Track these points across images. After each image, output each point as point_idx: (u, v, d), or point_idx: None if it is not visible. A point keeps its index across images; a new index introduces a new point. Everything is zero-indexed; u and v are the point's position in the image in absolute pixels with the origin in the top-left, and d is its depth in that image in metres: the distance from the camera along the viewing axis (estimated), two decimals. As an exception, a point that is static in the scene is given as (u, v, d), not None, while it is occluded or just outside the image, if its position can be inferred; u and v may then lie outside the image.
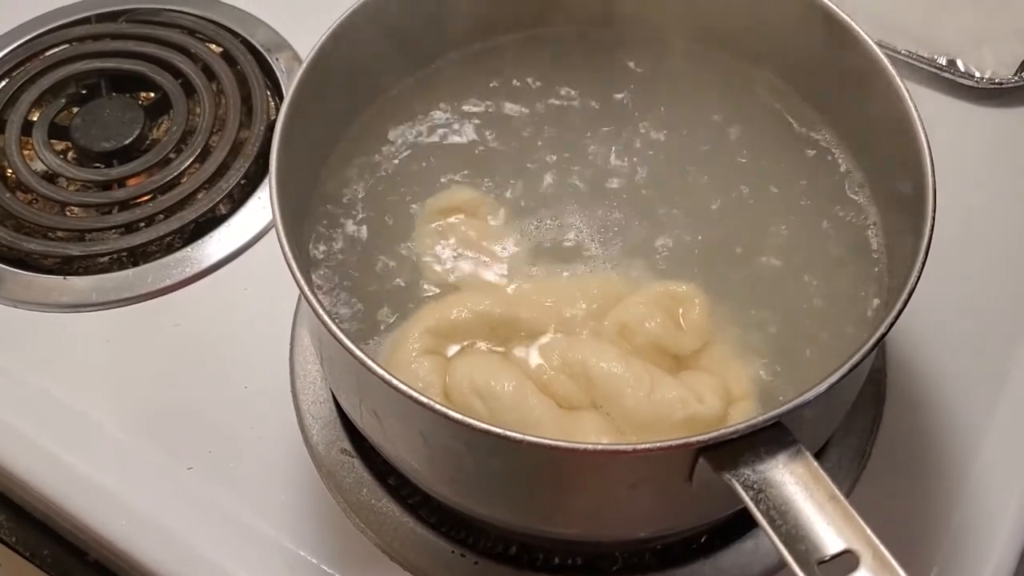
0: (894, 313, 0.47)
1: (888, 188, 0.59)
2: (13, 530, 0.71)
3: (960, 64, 0.81)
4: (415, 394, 0.45)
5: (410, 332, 0.54)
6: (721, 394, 0.52)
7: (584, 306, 0.56)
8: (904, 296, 0.48)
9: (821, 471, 0.44)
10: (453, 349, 0.55)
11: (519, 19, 0.66)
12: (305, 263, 0.58)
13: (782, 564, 0.58)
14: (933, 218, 0.50)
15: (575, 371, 0.52)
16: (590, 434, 0.51)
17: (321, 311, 0.48)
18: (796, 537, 0.42)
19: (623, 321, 0.55)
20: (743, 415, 0.52)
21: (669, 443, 0.44)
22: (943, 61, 0.81)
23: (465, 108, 0.65)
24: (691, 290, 0.56)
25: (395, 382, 0.45)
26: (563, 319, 0.55)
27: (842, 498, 0.43)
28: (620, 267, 0.58)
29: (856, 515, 0.42)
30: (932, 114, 0.54)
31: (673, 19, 0.65)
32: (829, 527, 0.42)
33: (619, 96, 0.65)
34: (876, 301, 0.57)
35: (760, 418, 0.44)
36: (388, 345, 0.55)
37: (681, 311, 0.56)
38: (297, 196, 0.57)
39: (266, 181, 0.77)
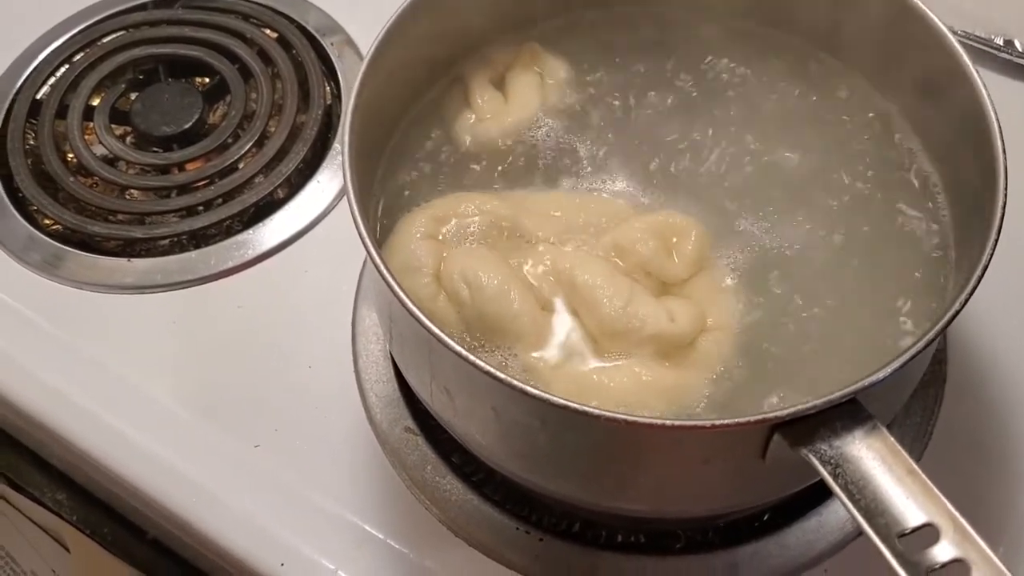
0: (967, 291, 0.47)
1: (953, 161, 0.59)
2: (75, 509, 0.73)
3: (1018, 44, 0.80)
4: (493, 370, 0.45)
5: (417, 216, 0.57)
6: (694, 318, 0.54)
7: (586, 223, 0.58)
8: (978, 273, 0.48)
9: (898, 445, 0.44)
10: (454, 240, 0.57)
11: None
12: (375, 235, 0.58)
13: (849, 541, 0.60)
14: (1005, 196, 0.50)
15: (562, 278, 0.55)
16: (561, 334, 0.54)
17: (396, 285, 0.48)
18: (876, 511, 0.42)
19: (617, 242, 0.57)
20: (715, 345, 0.54)
21: (745, 419, 0.44)
22: (1000, 41, 0.81)
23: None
24: (689, 222, 0.57)
25: (472, 358, 0.46)
26: (564, 230, 0.58)
27: (920, 472, 0.43)
28: (639, 200, 0.59)
29: (935, 488, 0.42)
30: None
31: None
32: (909, 500, 0.42)
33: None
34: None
35: (836, 394, 0.44)
36: (394, 229, 0.57)
37: (675, 240, 0.57)
38: (364, 169, 0.57)
39: (324, 164, 0.78)
